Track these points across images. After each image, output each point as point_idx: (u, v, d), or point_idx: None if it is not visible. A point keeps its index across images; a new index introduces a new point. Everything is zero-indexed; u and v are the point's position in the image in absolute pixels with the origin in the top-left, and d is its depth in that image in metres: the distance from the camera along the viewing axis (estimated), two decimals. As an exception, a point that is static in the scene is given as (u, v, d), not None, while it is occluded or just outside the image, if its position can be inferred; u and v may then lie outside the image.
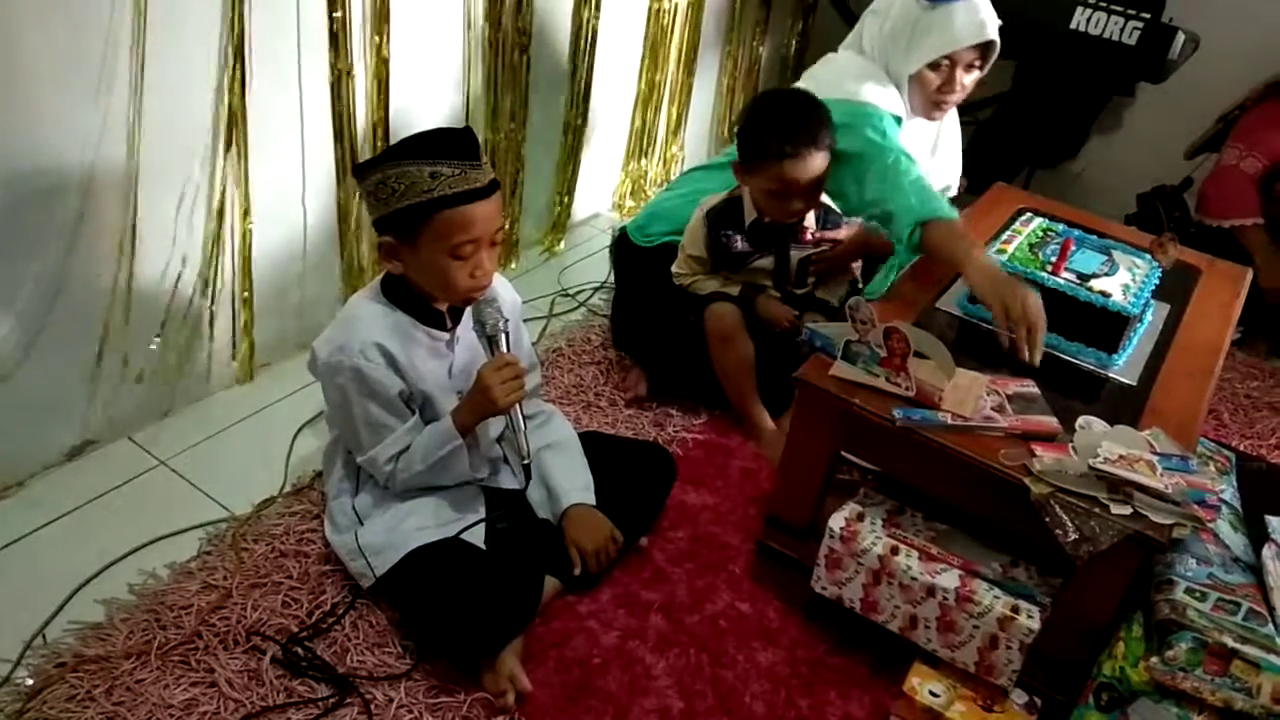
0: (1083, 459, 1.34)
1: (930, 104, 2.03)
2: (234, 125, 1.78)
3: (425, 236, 1.42)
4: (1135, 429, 1.44)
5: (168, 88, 1.65)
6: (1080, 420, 1.45)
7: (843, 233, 2.01)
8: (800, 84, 2.05)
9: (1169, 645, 1.28)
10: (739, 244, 1.97)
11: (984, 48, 1.97)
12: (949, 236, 1.73)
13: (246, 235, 1.89)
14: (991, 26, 1.93)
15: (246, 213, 1.87)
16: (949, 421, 1.42)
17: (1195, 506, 1.30)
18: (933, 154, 2.18)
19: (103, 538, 1.63)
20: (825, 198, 1.97)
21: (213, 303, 1.89)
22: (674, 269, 2.07)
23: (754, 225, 1.96)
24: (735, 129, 1.94)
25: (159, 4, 1.58)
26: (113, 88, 1.58)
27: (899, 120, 2.00)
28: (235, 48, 1.72)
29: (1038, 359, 1.55)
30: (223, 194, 1.80)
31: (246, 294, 1.95)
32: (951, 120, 2.24)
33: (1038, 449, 1.38)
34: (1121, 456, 1.34)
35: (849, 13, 3.09)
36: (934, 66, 1.97)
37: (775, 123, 1.83)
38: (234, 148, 1.79)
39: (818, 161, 1.84)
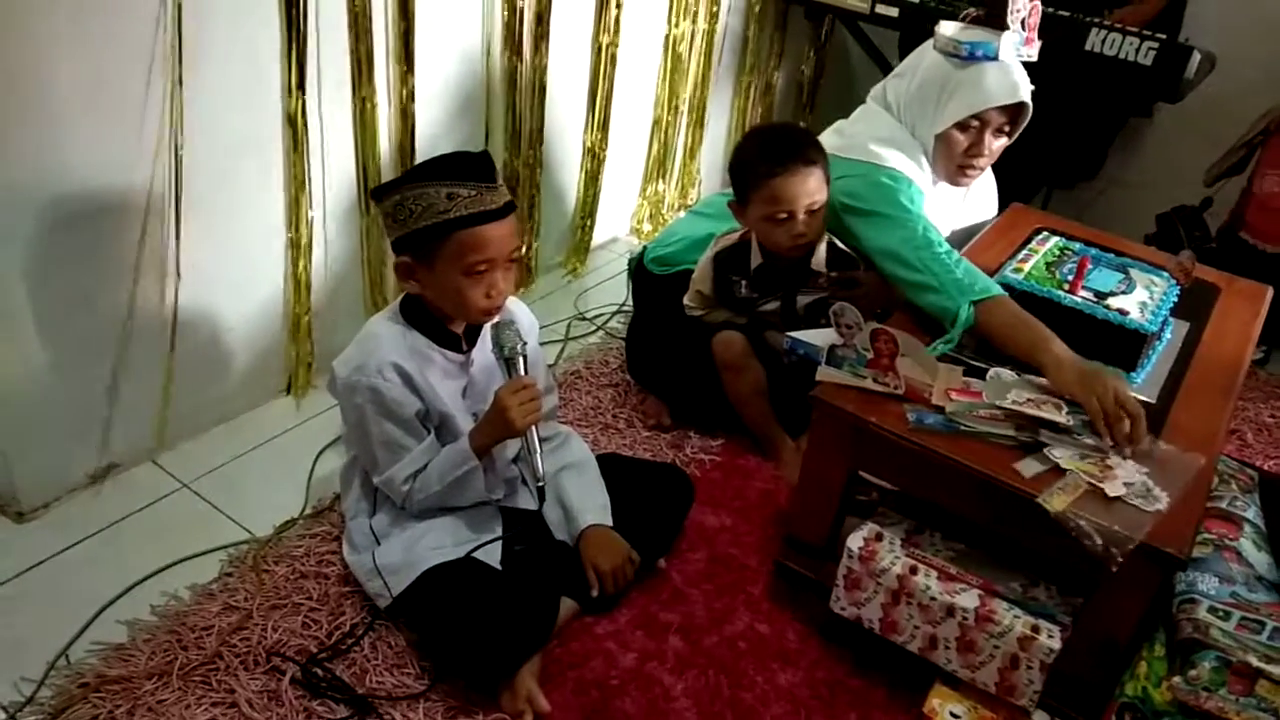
0: (991, 399, 1.45)
1: (956, 169, 1.97)
2: (295, 147, 1.86)
3: (441, 256, 1.45)
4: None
5: (200, 110, 1.69)
6: (990, 372, 1.54)
7: (860, 275, 1.98)
8: (826, 135, 2.02)
9: (1192, 664, 1.26)
10: (743, 289, 1.97)
11: (1014, 111, 1.92)
12: (1015, 322, 1.62)
13: (298, 257, 1.95)
14: (1024, 89, 1.88)
15: (297, 226, 1.93)
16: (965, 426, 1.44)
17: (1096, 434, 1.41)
18: (964, 200, 2.16)
19: (125, 560, 1.65)
20: (839, 243, 1.95)
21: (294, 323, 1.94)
22: (685, 301, 2.07)
23: (760, 270, 1.95)
24: (728, 168, 1.93)
25: (191, 32, 1.63)
26: (144, 111, 1.61)
27: (923, 194, 1.95)
28: (296, 63, 1.79)
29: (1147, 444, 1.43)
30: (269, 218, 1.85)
31: (305, 314, 2.01)
32: (985, 196, 2.21)
33: (952, 393, 1.48)
34: (1030, 399, 1.44)
35: (871, 45, 3.11)
36: (963, 127, 1.91)
37: (761, 148, 1.84)
38: (267, 170, 1.85)
39: (811, 181, 1.83)
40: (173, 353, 1.83)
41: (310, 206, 1.95)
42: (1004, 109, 1.90)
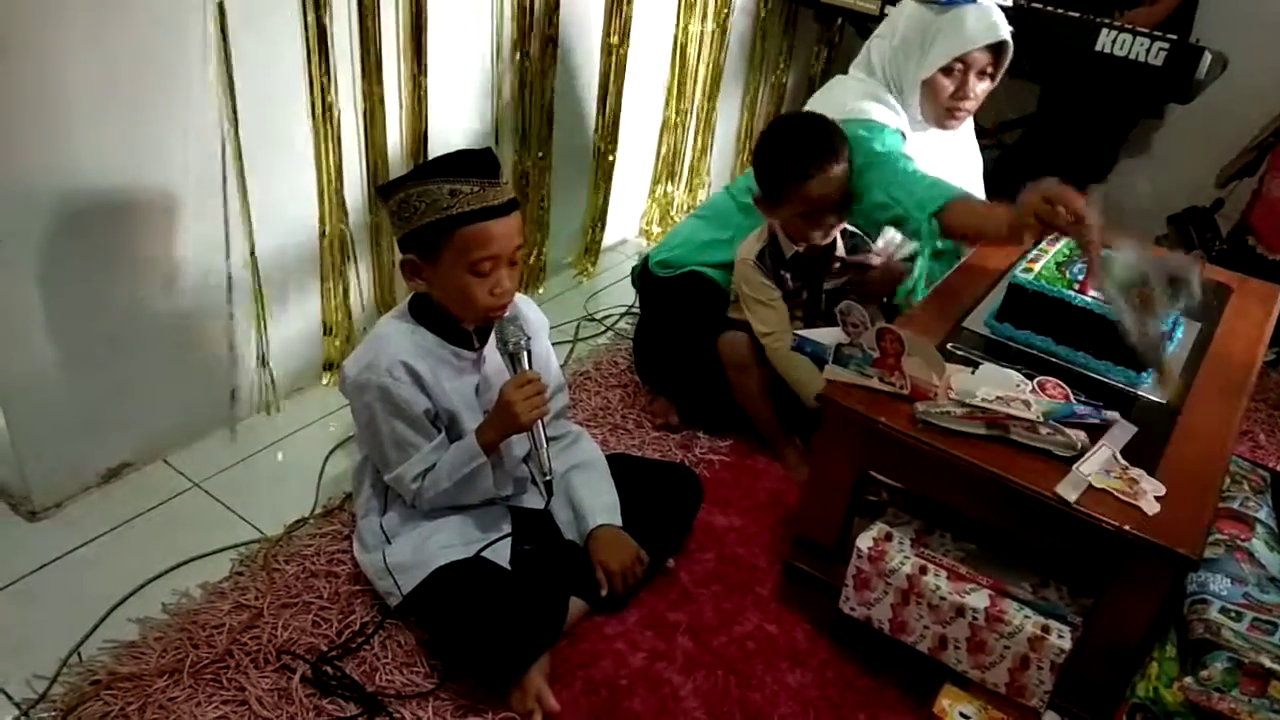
0: (960, 397, 1.44)
1: (944, 112, 2.02)
2: (324, 145, 1.89)
3: (445, 253, 1.45)
4: (1164, 446, 1.44)
5: (206, 110, 1.70)
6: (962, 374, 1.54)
7: (874, 259, 2.01)
8: (808, 106, 2.09)
9: (1204, 665, 1.26)
10: (789, 281, 1.97)
11: (996, 53, 1.97)
12: (969, 211, 1.76)
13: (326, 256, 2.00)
14: (1004, 28, 1.92)
15: (326, 224, 1.97)
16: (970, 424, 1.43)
17: (1066, 430, 1.39)
18: (950, 144, 2.18)
19: (137, 558, 1.66)
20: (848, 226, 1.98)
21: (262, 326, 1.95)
22: (761, 329, 1.97)
23: (794, 259, 1.97)
24: (751, 161, 1.94)
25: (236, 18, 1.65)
26: (152, 112, 1.62)
27: (902, 134, 2.00)
28: (322, 65, 1.82)
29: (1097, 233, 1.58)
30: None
31: (336, 310, 2.06)
32: (967, 140, 2.23)
33: (918, 402, 1.46)
34: (999, 397, 1.43)
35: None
36: (947, 72, 1.96)
37: (792, 148, 1.85)
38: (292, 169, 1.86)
39: (841, 173, 1.86)
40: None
41: (342, 204, 1.97)
42: (986, 50, 1.94)
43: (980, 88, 2.00)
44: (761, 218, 1.99)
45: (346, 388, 1.56)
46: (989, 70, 1.99)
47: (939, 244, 1.88)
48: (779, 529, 1.85)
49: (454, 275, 1.47)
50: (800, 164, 1.83)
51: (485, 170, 1.45)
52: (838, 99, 2.02)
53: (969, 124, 2.24)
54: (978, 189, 2.26)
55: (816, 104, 2.07)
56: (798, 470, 1.97)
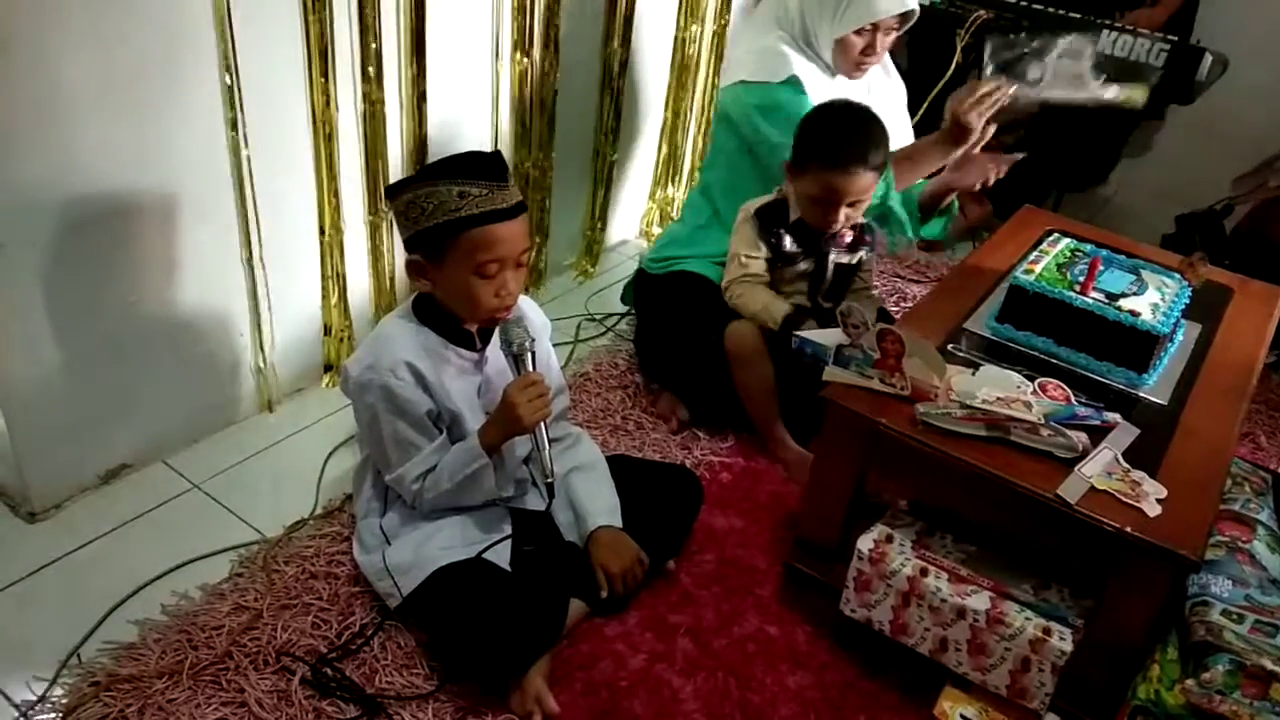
0: (961, 398, 1.45)
1: (854, 65, 2.15)
2: (324, 147, 1.89)
3: (452, 255, 1.45)
4: (1167, 448, 1.44)
5: (207, 112, 1.70)
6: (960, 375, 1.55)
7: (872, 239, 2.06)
8: (726, 64, 2.23)
9: (1205, 667, 1.26)
10: (788, 243, 1.98)
11: (904, 14, 2.08)
12: (906, 160, 2.09)
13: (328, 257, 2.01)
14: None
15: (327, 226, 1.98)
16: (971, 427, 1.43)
17: (1067, 431, 1.39)
18: (869, 91, 2.25)
19: (137, 559, 1.65)
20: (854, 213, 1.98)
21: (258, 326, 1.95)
22: (725, 280, 2.03)
23: (797, 224, 1.97)
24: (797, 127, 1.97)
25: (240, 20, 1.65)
26: (152, 113, 1.62)
27: (798, 82, 2.08)
28: (321, 64, 1.81)
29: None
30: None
31: (336, 310, 2.06)
32: (884, 78, 2.31)
33: (919, 404, 1.47)
34: (999, 398, 1.44)
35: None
36: (858, 32, 2.08)
37: (831, 133, 1.87)
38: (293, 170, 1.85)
39: (864, 180, 1.87)
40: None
41: (341, 205, 1.97)
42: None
43: (887, 40, 2.15)
44: (735, 202, 2.03)
45: (349, 387, 1.56)
46: (895, 28, 2.13)
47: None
48: (779, 531, 1.85)
49: (459, 276, 1.47)
50: (829, 152, 1.85)
51: (494, 173, 1.45)
52: (736, 61, 2.16)
53: (887, 60, 2.33)
54: (902, 120, 2.35)
55: (732, 64, 2.20)
56: (799, 472, 1.96)
